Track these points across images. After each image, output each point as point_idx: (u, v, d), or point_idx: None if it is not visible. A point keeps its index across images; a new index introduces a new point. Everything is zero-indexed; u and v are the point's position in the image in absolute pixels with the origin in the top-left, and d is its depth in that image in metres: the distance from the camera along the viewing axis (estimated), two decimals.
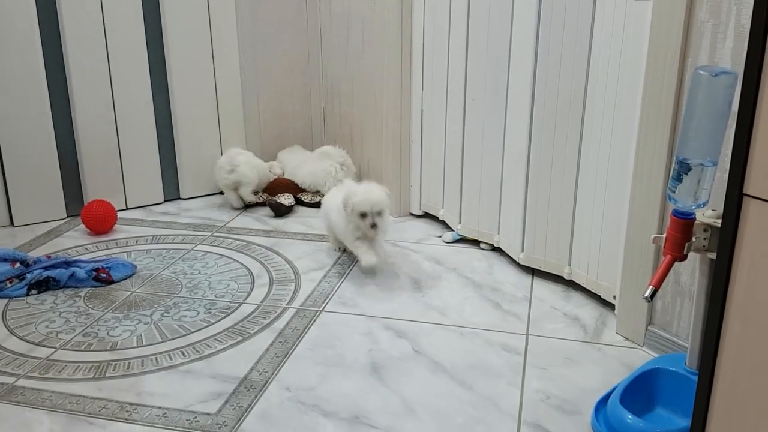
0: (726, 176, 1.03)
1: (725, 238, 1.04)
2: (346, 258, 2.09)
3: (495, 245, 2.10)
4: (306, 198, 2.58)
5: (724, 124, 1.14)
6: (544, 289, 1.86)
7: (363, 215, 1.89)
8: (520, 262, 1.96)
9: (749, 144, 1.00)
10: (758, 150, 0.99)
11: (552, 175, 1.82)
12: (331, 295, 1.84)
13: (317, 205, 2.55)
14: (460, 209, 2.20)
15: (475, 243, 2.16)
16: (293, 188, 2.62)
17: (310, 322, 1.70)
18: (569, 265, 1.84)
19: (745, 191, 1.01)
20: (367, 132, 2.59)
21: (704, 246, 1.21)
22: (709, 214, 1.21)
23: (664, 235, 1.22)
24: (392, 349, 1.57)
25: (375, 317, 1.72)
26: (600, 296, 1.75)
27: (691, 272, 1.44)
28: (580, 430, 1.28)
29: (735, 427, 1.06)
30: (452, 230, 2.26)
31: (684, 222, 1.19)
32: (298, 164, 2.68)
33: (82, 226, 2.30)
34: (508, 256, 2.05)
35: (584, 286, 1.80)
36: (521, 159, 1.89)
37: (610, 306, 1.73)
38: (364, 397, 1.38)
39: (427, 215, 2.45)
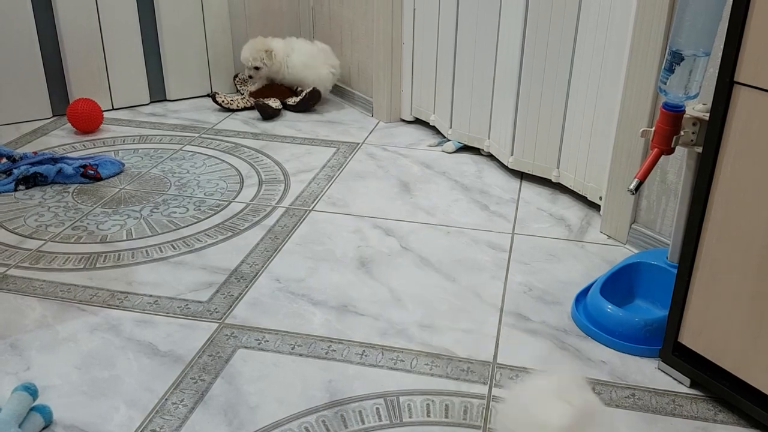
0: (718, 70, 1.02)
1: (713, 127, 1.05)
2: (336, 161, 2.09)
3: (485, 150, 2.10)
4: (291, 101, 2.54)
5: (719, 14, 1.12)
6: (531, 192, 1.88)
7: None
8: (509, 166, 1.97)
9: (743, 30, 0.98)
10: (752, 37, 0.97)
11: (544, 77, 1.80)
12: (320, 196, 1.85)
13: (303, 108, 2.52)
14: (451, 114, 2.18)
15: (475, 151, 2.15)
16: (281, 92, 2.57)
17: (300, 220, 1.71)
18: (557, 168, 1.84)
19: (735, 78, 1.01)
20: (356, 33, 2.52)
21: (692, 140, 1.21)
22: (699, 108, 1.20)
23: (653, 129, 1.22)
24: (380, 245, 1.59)
25: (364, 216, 1.73)
26: (586, 198, 1.78)
27: (678, 171, 1.45)
28: (560, 318, 1.32)
29: (711, 314, 1.11)
30: (444, 137, 2.24)
31: (673, 115, 1.18)
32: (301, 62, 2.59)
33: (69, 125, 2.27)
34: (498, 161, 2.05)
35: (571, 188, 1.82)
36: (514, 62, 1.86)
37: (596, 207, 1.75)
38: (352, 288, 1.41)
39: (417, 121, 2.43)
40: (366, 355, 1.20)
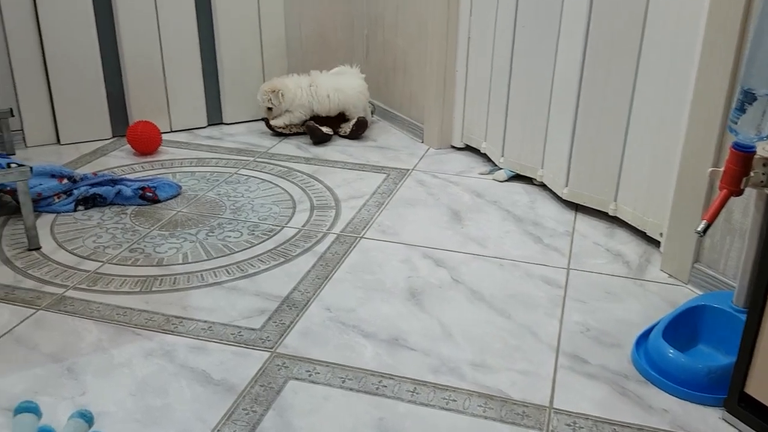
0: None
1: None
2: (386, 188, 2.09)
3: (538, 179, 2.06)
4: (342, 131, 2.56)
5: None
6: (586, 224, 1.83)
7: None
8: (564, 197, 1.93)
9: None
10: None
11: (603, 107, 1.76)
12: (370, 223, 1.85)
13: (354, 135, 2.53)
14: (503, 142, 2.16)
15: (527, 180, 2.12)
16: (332, 118, 2.59)
17: (350, 247, 1.71)
18: (615, 201, 1.80)
19: None
20: (409, 61, 2.53)
21: (762, 182, 1.16)
22: None
23: (722, 169, 1.18)
24: (431, 276, 1.58)
25: (414, 246, 1.72)
26: (645, 233, 1.72)
27: (744, 210, 1.39)
28: (620, 362, 1.28)
29: None
30: (495, 165, 2.22)
31: (743, 155, 1.14)
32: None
33: (128, 146, 2.33)
34: (551, 192, 2.01)
35: (629, 222, 1.77)
36: (571, 89, 1.83)
37: (654, 243, 1.70)
38: (402, 321, 1.40)
39: (468, 148, 2.41)
40: (417, 393, 1.18)
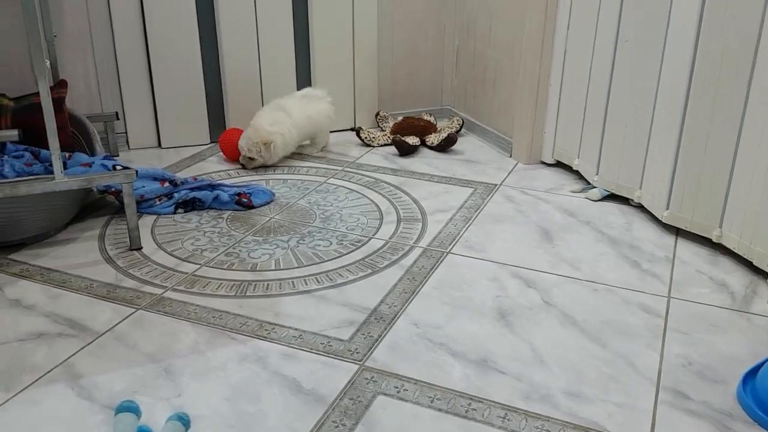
0: None
1: None
2: (473, 202, 2.06)
3: (635, 200, 1.98)
4: (429, 141, 2.55)
5: None
6: (688, 251, 1.74)
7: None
8: (664, 221, 1.84)
9: None
10: None
11: (711, 127, 1.67)
12: (457, 238, 1.83)
13: (440, 149, 2.52)
14: (598, 160, 2.09)
15: (623, 201, 2.04)
16: (420, 130, 2.59)
17: (437, 262, 1.69)
18: (720, 227, 1.70)
19: None
20: (501, 73, 2.49)
21: None
22: None
23: None
24: (521, 297, 1.54)
25: (503, 264, 1.69)
26: (752, 263, 1.62)
27: None
28: (724, 400, 1.20)
29: None
30: (588, 183, 2.15)
31: None
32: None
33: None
34: (649, 214, 1.93)
35: (734, 250, 1.67)
36: (677, 107, 1.75)
37: (762, 274, 1.59)
38: (491, 342, 1.37)
39: (559, 164, 2.35)
40: (508, 419, 1.15)
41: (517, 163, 2.40)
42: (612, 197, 2.06)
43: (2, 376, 1.23)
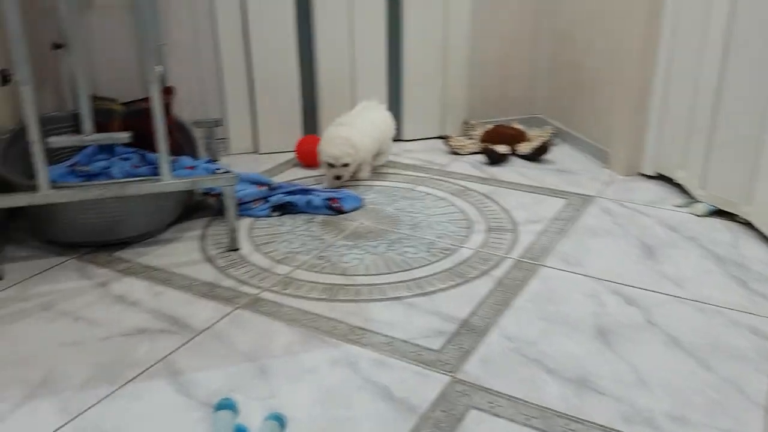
0: None
1: None
2: (567, 214, 2.00)
3: (743, 217, 1.86)
4: (520, 150, 2.50)
5: None
6: None
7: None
8: None
9: None
10: None
11: None
12: (551, 251, 1.77)
13: (532, 158, 2.46)
14: (703, 173, 1.97)
15: (730, 216, 1.93)
16: (510, 138, 2.54)
17: (530, 275, 1.65)
18: None
19: None
20: (599, 82, 2.41)
21: None
22: None
23: None
24: (620, 315, 1.47)
25: (601, 279, 1.62)
26: None
27: None
28: None
29: None
30: (692, 198, 2.04)
31: None
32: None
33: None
34: (758, 232, 1.81)
35: None
36: None
37: None
38: (590, 360, 1.31)
39: (659, 177, 2.24)
40: None
41: (613, 175, 2.31)
42: (717, 213, 1.95)
43: (107, 370, 1.29)
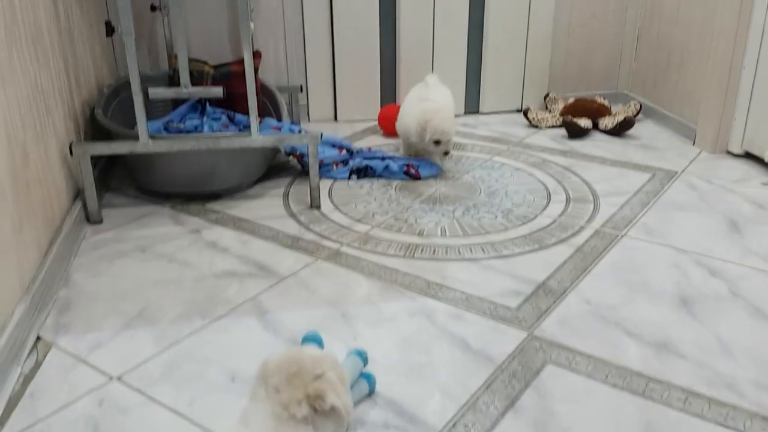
0: None
1: None
2: (651, 188, 1.95)
3: None
4: (603, 125, 2.45)
5: None
6: None
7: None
8: None
9: None
10: None
11: None
12: (634, 222, 1.74)
13: (615, 132, 2.41)
14: None
15: None
16: (593, 112, 2.50)
17: (611, 244, 1.63)
18: None
19: None
20: (687, 55, 2.33)
21: None
22: None
23: None
24: (704, 286, 1.44)
25: (684, 251, 1.59)
26: None
27: None
28: None
29: None
30: None
31: None
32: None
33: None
34: None
35: None
36: None
37: None
38: (672, 327, 1.29)
39: (747, 155, 2.16)
40: (690, 403, 1.09)
41: (700, 152, 2.24)
42: None
43: (199, 306, 1.37)
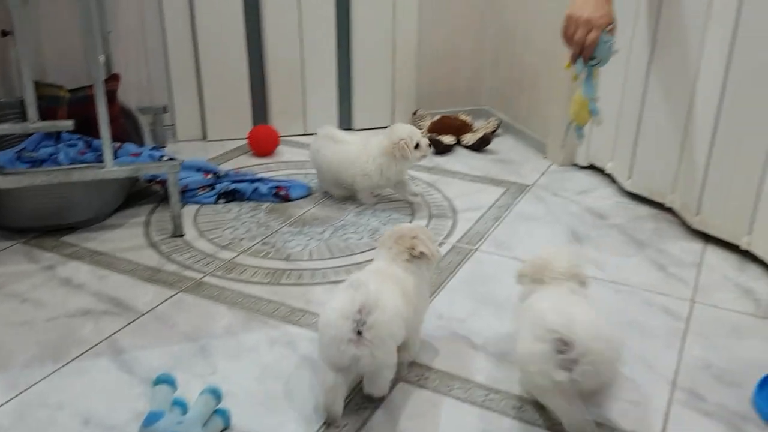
0: None
1: None
2: (504, 202, 2.10)
3: (668, 205, 1.99)
4: (465, 141, 2.59)
5: None
6: (717, 256, 1.75)
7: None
8: (693, 226, 1.85)
9: None
10: None
11: (742, 133, 1.67)
12: (486, 236, 1.87)
13: (476, 148, 2.56)
14: (631, 163, 2.10)
15: (656, 205, 2.05)
16: (456, 129, 2.63)
17: (464, 258, 1.74)
18: (749, 234, 1.70)
19: None
20: (537, 76, 2.52)
21: None
22: None
23: None
24: None
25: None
26: None
27: None
28: (739, 402, 1.22)
29: None
30: (620, 186, 2.17)
31: None
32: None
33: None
34: (680, 218, 1.94)
35: (762, 258, 1.67)
36: (709, 112, 1.75)
37: None
38: (512, 338, 1.41)
39: (592, 167, 2.36)
40: (524, 411, 1.20)
41: (550, 165, 2.42)
42: (644, 201, 2.07)
43: (52, 348, 1.33)
